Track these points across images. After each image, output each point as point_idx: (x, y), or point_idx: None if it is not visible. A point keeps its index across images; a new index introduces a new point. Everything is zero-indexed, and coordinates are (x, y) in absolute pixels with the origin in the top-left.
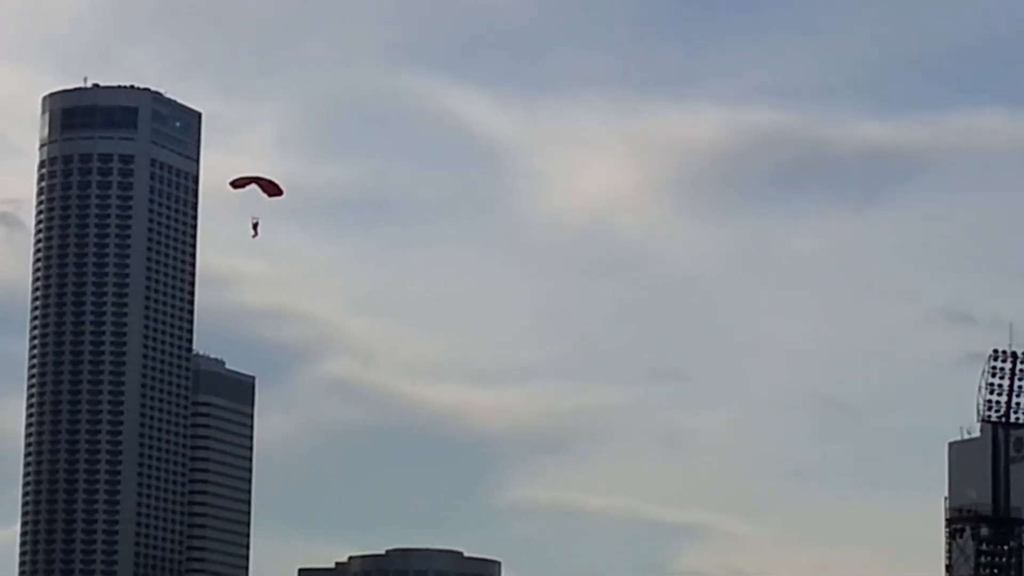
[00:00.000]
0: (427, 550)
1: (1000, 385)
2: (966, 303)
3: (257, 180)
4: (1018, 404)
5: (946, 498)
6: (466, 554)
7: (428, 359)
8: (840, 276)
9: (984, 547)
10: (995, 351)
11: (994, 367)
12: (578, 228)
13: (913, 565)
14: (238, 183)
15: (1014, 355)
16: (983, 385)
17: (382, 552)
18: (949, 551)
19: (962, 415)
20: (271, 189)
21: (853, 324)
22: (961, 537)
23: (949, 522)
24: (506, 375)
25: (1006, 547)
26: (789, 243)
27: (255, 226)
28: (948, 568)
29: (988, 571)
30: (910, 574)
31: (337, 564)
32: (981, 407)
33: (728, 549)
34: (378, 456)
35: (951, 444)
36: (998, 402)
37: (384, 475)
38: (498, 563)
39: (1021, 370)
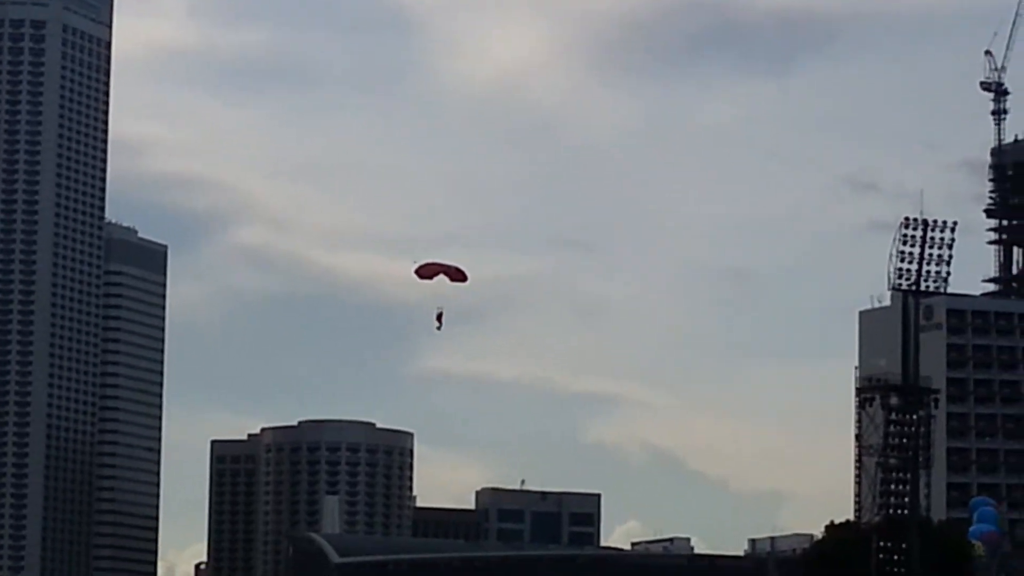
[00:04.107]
0: (339, 421)
1: (911, 253)
2: (870, 172)
3: (445, 269)
4: (928, 272)
5: (856, 367)
6: (379, 425)
7: (340, 227)
8: (750, 145)
9: (893, 416)
10: (906, 219)
11: (905, 235)
12: (489, 95)
13: (823, 435)
14: (425, 272)
15: (925, 223)
16: (894, 253)
17: (294, 423)
18: (859, 420)
19: (872, 284)
20: (457, 276)
21: (762, 193)
22: (871, 406)
23: (859, 391)
24: (418, 244)
25: (915, 416)
26: (700, 112)
27: (439, 317)
28: (858, 437)
29: (897, 440)
30: (820, 444)
31: (249, 436)
32: (892, 275)
33: (638, 419)
34: (291, 326)
35: (861, 313)
36: (908, 270)
37: (297, 345)
38: (411, 434)
39: (932, 238)
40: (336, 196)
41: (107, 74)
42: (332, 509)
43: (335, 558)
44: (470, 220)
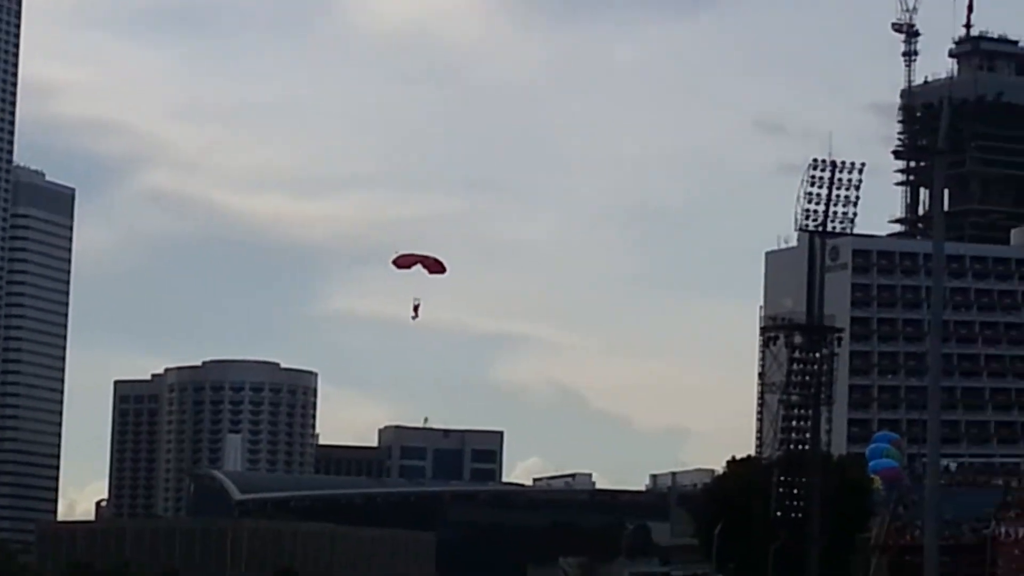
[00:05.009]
0: (244, 361)
1: (818, 194)
2: (780, 113)
3: (423, 259)
4: (835, 213)
5: (761, 306)
6: (283, 365)
7: (248, 169)
8: (660, 86)
9: (797, 355)
10: (814, 160)
11: (813, 176)
12: (401, 36)
13: (727, 372)
14: (402, 263)
15: (833, 164)
16: (801, 194)
17: (199, 363)
18: (762, 358)
19: (779, 225)
20: (435, 267)
21: (671, 134)
22: (775, 345)
23: (763, 330)
24: (327, 185)
25: (818, 355)
26: (611, 52)
27: (416, 308)
28: (761, 375)
29: (800, 378)
30: (724, 381)
31: (153, 376)
32: (799, 216)
33: (543, 358)
34: (196, 267)
35: (768, 253)
36: (815, 211)
37: (203, 286)
38: (315, 374)
39: (839, 179)
40: (245, 138)
41: (18, 16)
42: (234, 447)
43: (237, 495)
44: (381, 161)
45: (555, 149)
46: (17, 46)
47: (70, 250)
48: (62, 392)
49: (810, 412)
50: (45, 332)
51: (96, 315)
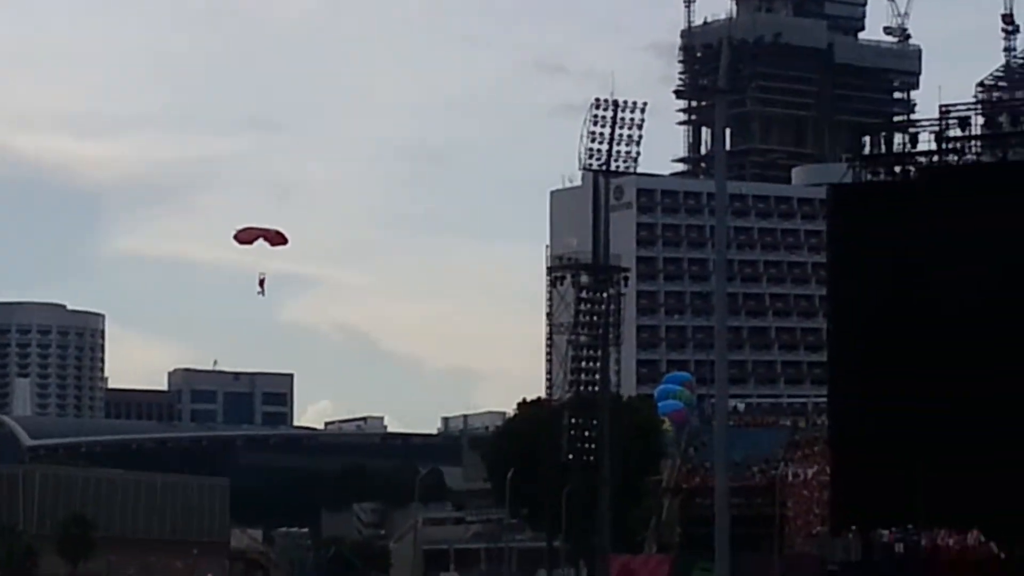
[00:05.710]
0: (30, 304)
1: (601, 133)
2: (559, 54)
3: (264, 233)
4: (619, 152)
5: (547, 246)
6: (69, 307)
7: (31, 110)
8: (441, 27)
9: (584, 294)
10: (597, 99)
11: (595, 115)
12: None
13: (516, 313)
14: (243, 238)
15: (615, 103)
16: (584, 133)
17: None
18: (549, 299)
19: (563, 164)
20: (277, 239)
21: (453, 75)
22: (561, 285)
23: (550, 270)
24: (109, 126)
25: (605, 294)
26: None
27: (261, 283)
28: (548, 316)
29: (587, 317)
30: (513, 322)
31: None
32: (582, 155)
33: (332, 299)
34: None
35: (552, 192)
36: (599, 150)
37: None
38: (102, 316)
39: (622, 119)
40: (25, 78)
41: None
42: (23, 391)
43: (27, 440)
44: (164, 100)
45: (337, 89)
46: None
47: None
48: None
49: (599, 353)
50: None
51: None
